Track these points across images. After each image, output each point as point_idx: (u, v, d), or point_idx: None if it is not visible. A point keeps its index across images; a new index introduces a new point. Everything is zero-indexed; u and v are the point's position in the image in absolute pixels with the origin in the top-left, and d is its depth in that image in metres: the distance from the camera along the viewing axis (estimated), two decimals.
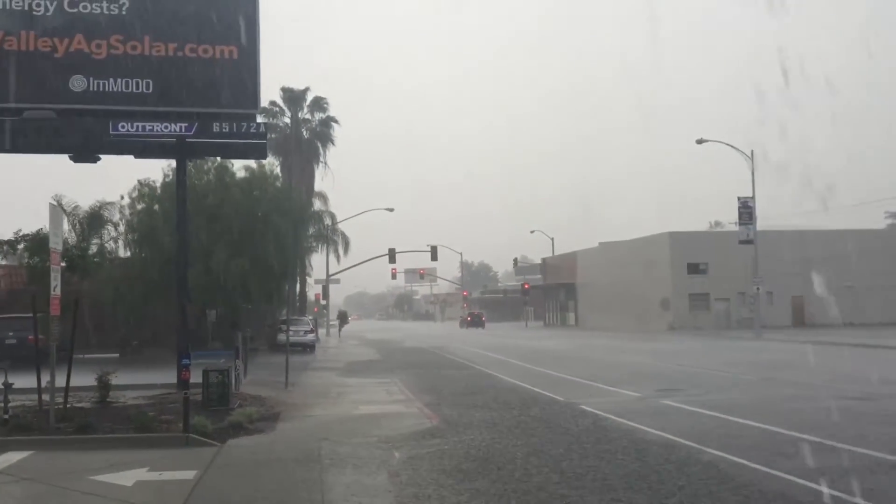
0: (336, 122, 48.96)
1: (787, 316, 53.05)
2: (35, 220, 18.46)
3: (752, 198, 41.88)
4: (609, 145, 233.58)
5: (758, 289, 41.41)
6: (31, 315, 14.31)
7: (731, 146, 41.83)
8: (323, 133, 48.53)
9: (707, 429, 11.44)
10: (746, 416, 12.36)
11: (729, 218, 60.68)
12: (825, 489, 7.64)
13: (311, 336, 35.96)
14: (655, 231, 57.70)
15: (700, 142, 42.27)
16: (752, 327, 42.18)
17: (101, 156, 16.30)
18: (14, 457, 9.96)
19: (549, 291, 76.80)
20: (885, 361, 24.06)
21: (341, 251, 52.11)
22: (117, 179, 30.12)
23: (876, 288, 52.37)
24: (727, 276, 51.53)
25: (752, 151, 41.34)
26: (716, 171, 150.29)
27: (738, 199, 42.56)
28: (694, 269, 54.05)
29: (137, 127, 14.89)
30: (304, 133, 48.20)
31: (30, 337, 15.14)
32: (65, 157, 16.47)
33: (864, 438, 10.22)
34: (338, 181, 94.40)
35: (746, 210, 42.09)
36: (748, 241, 42.03)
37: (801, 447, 9.85)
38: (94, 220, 27.35)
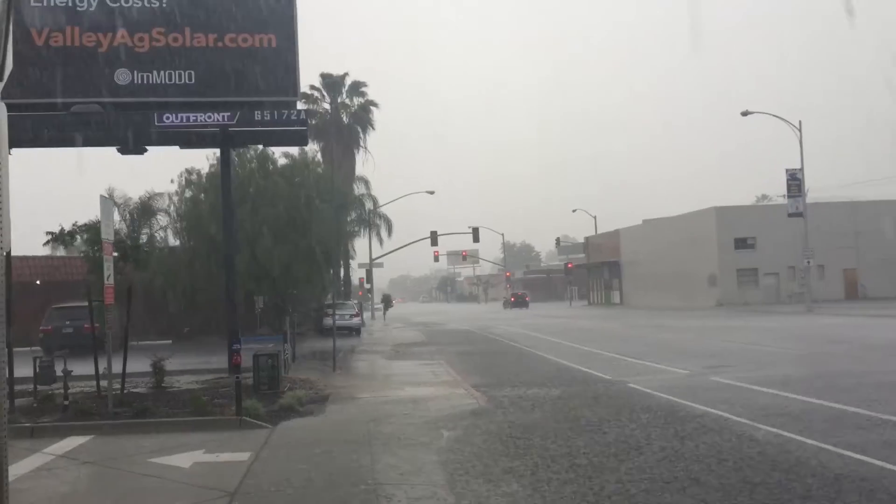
0: (375, 105, 49.06)
1: (838, 289, 51.89)
2: (91, 212, 19.03)
3: (801, 169, 40.87)
4: (653, 122, 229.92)
5: (808, 262, 40.53)
6: (86, 304, 14.74)
7: (779, 117, 40.89)
8: (362, 117, 48.66)
9: (758, 404, 11.28)
10: (798, 392, 12.15)
11: (777, 191, 59.43)
12: (887, 465, 7.49)
13: (356, 320, 36.31)
14: (700, 207, 56.84)
15: (745, 114, 41.35)
16: (802, 302, 41.36)
17: (147, 147, 16.59)
18: (75, 441, 10.30)
19: (593, 270, 76.25)
20: None
21: (384, 235, 52.41)
22: (165, 171, 30.70)
23: None
24: (776, 250, 50.57)
25: (800, 122, 40.36)
26: (765, 144, 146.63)
27: (787, 171, 41.61)
28: (741, 243, 53.11)
29: (181, 118, 15.08)
30: (344, 118, 48.40)
31: (86, 325, 15.59)
32: (113, 150, 16.87)
33: None
34: (378, 166, 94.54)
35: (795, 182, 41.13)
36: (797, 214, 41.10)
37: (859, 421, 9.67)
38: (143, 211, 28.04)
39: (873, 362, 16.15)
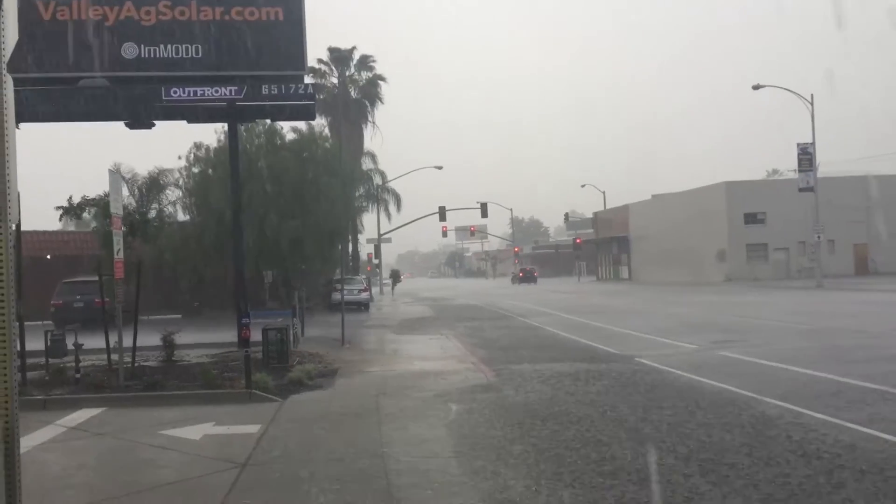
0: (383, 80, 48.80)
1: (849, 264, 51.64)
2: (100, 188, 19.09)
3: (812, 143, 40.51)
4: (663, 97, 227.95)
5: (818, 237, 40.30)
6: (97, 279, 14.83)
7: (790, 90, 40.42)
8: (370, 92, 48.42)
9: (763, 379, 11.29)
10: (807, 366, 12.15)
11: (788, 165, 59.01)
12: (891, 437, 7.50)
13: (365, 295, 36.44)
14: (709, 182, 56.47)
15: (756, 87, 40.92)
16: (812, 277, 41.19)
17: (155, 122, 16.58)
18: (87, 413, 10.42)
19: (602, 245, 76.08)
20: None
21: (392, 209, 52.35)
22: (173, 149, 30.78)
23: None
24: (786, 225, 50.30)
25: (812, 95, 39.93)
26: (774, 119, 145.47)
27: (798, 145, 41.25)
28: (751, 218, 52.81)
29: (189, 92, 15.04)
30: (352, 93, 48.19)
31: (96, 300, 15.69)
32: (121, 126, 16.87)
33: None
34: (387, 142, 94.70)
35: (806, 156, 40.78)
36: (808, 189, 40.79)
37: (866, 396, 9.68)
38: (152, 186, 28.12)
39: (882, 336, 16.10)
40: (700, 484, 6.30)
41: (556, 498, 6.14)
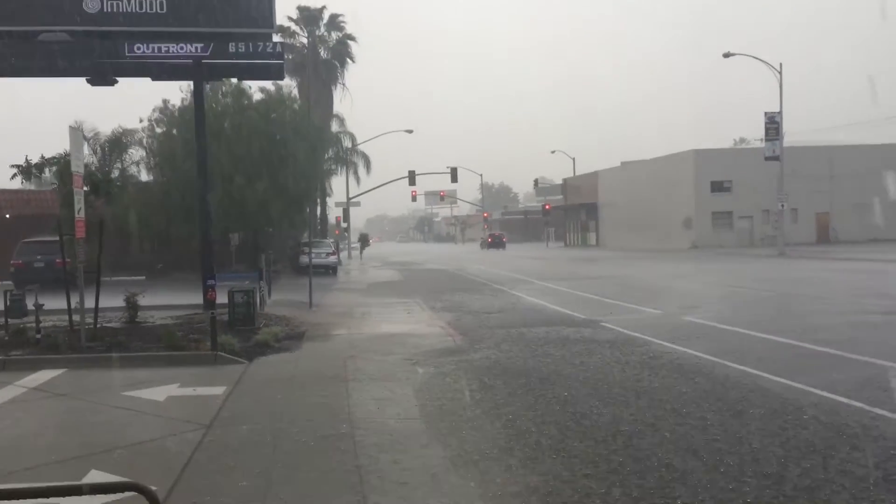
0: (353, 39, 48.06)
1: (810, 233, 52.65)
2: (59, 146, 18.58)
3: (780, 113, 40.87)
4: (633, 65, 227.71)
5: (782, 206, 40.90)
6: (57, 238, 14.52)
7: (759, 59, 40.61)
8: (340, 52, 47.69)
9: (727, 345, 11.49)
10: (768, 332, 12.39)
11: (755, 134, 59.55)
12: (842, 398, 7.70)
13: (333, 258, 36.28)
14: (678, 150, 56.87)
15: (727, 55, 41.01)
16: (775, 245, 41.87)
17: (118, 79, 16.15)
18: (47, 374, 10.26)
19: (570, 212, 76.49)
20: None
21: (362, 173, 51.98)
22: (136, 110, 30.06)
23: None
24: (751, 193, 51.00)
25: (781, 64, 40.19)
26: (742, 89, 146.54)
27: (765, 114, 41.58)
28: (718, 186, 53.42)
29: (153, 48, 14.68)
30: (322, 53, 47.41)
31: (57, 260, 15.39)
32: (83, 83, 16.39)
33: (883, 350, 10.22)
34: (357, 106, 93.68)
35: (773, 125, 41.17)
36: (774, 158, 41.26)
37: (822, 360, 9.92)
38: (115, 145, 27.50)
39: (840, 303, 16.47)
40: (648, 420, 6.42)
41: (523, 454, 6.21)
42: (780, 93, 40.39)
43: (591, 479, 5.62)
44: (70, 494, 2.46)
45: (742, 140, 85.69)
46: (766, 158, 41.99)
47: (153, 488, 2.51)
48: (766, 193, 46.63)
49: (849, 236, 51.31)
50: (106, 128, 24.65)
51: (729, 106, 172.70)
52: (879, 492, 5.25)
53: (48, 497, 2.50)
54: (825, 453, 6.09)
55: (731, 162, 54.46)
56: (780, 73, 40.01)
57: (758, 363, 9.76)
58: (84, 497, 2.49)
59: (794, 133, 50.16)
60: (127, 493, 2.50)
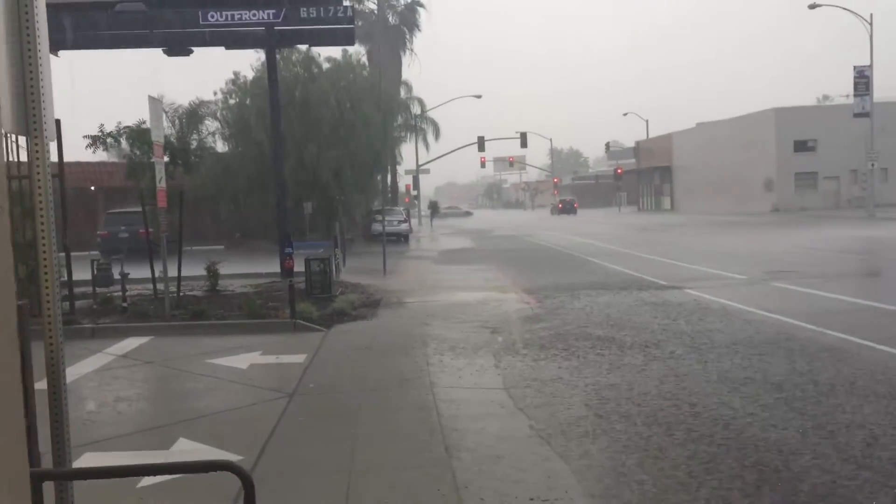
0: (422, 5, 47.56)
1: None
2: (135, 118, 19.02)
3: (870, 66, 38.63)
4: (712, 18, 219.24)
5: (872, 165, 38.82)
6: (140, 209, 14.83)
7: (848, 9, 38.36)
8: (409, 18, 47.28)
9: (816, 309, 10.90)
10: (858, 296, 11.72)
11: (838, 91, 56.64)
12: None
13: (404, 226, 36.32)
14: (757, 109, 54.56)
15: (813, 6, 38.92)
16: (863, 206, 39.89)
17: (192, 49, 16.32)
18: (135, 342, 10.50)
19: (643, 175, 74.69)
20: None
21: (431, 139, 51.62)
22: (210, 83, 30.50)
23: None
24: (837, 153, 48.62)
25: (871, 15, 37.86)
26: (829, 43, 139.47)
27: (854, 67, 39.39)
28: (801, 146, 51.10)
29: (226, 16, 14.69)
30: (390, 19, 47.08)
31: (140, 230, 15.75)
32: (159, 57, 16.63)
33: None
34: (426, 71, 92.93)
35: (863, 80, 38.97)
36: (864, 114, 39.12)
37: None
38: (192, 117, 28.00)
39: None
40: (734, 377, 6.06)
41: (609, 424, 5.96)
42: (871, 45, 38.14)
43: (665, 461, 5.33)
44: (165, 473, 2.34)
45: (825, 97, 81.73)
46: (856, 115, 39.86)
47: (245, 469, 2.38)
48: (854, 152, 44.37)
49: None
50: (180, 99, 25.12)
51: (814, 61, 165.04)
52: None
53: (143, 475, 2.40)
54: None
55: (815, 120, 51.97)
56: (871, 24, 37.72)
57: (846, 328, 9.20)
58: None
59: (884, 88, 47.34)
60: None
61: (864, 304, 11.33)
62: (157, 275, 13.30)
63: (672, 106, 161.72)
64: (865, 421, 5.90)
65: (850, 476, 4.85)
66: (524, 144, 68.53)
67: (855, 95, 39.94)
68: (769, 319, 10.40)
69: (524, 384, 7.56)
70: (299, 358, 9.16)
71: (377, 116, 28.46)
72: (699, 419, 6.14)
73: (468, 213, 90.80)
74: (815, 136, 50.90)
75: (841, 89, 46.11)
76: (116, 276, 13.46)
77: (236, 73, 28.33)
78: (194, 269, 14.83)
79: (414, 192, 60.62)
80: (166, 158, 12.57)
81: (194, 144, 24.39)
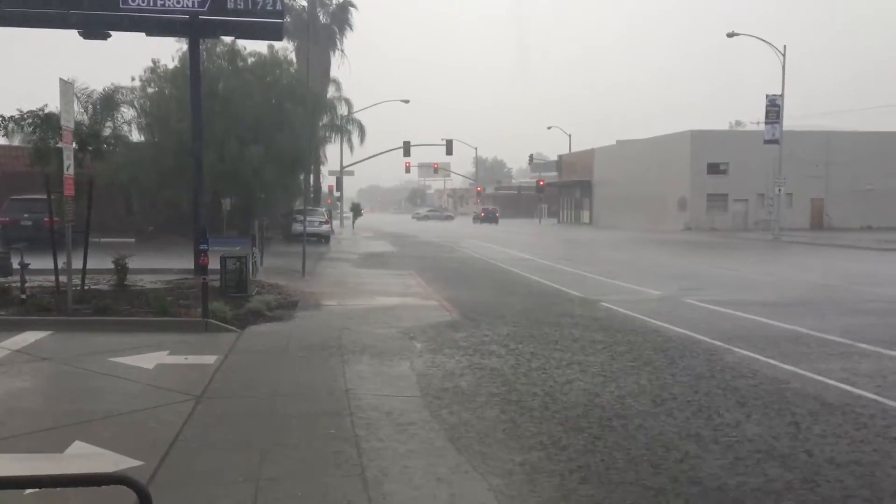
0: (354, 6, 47.15)
1: (805, 218, 52.50)
2: (39, 104, 18.04)
3: (781, 96, 40.51)
4: (636, 44, 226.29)
5: (779, 190, 40.66)
6: (45, 196, 14.06)
7: (763, 40, 40.17)
8: (340, 17, 46.79)
9: (724, 326, 11.26)
10: (765, 315, 12.17)
11: (751, 118, 59.18)
12: (832, 381, 7.48)
13: (326, 227, 35.84)
14: (674, 130, 56.43)
15: (731, 35, 40.55)
16: (769, 229, 41.72)
17: (111, 33, 15.64)
18: (32, 336, 9.91)
19: (565, 189, 76.11)
20: None
21: (356, 140, 51.02)
22: (126, 70, 29.34)
23: None
24: (747, 176, 50.71)
25: (785, 46, 39.75)
26: (745, 71, 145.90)
27: (767, 96, 41.20)
28: (714, 168, 53.05)
29: (150, 1, 14.13)
30: (321, 17, 46.48)
31: (45, 218, 14.92)
32: (74, 36, 15.85)
33: (870, 335, 10.02)
34: (354, 73, 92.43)
35: (774, 108, 40.82)
36: (774, 141, 40.96)
37: (825, 345, 9.70)
38: (106, 103, 26.85)
39: (838, 288, 16.28)
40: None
41: (521, 432, 5.94)
42: (783, 74, 40.02)
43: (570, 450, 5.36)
44: (50, 486, 2.14)
45: (738, 123, 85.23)
46: (766, 142, 41.69)
47: (142, 483, 2.20)
48: (762, 177, 46.38)
49: (843, 223, 51.22)
50: (92, 81, 24.01)
51: (731, 88, 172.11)
52: None
53: (25, 488, 2.19)
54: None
55: (727, 144, 54.09)
56: (784, 55, 39.58)
57: (751, 345, 9.52)
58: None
59: (793, 118, 49.83)
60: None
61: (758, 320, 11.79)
62: (60, 266, 12.61)
63: (596, 122, 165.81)
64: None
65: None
66: (450, 152, 68.87)
67: (766, 122, 41.75)
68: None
69: (440, 390, 7.47)
70: (210, 359, 8.82)
71: (303, 115, 27.96)
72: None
73: (450, 217, 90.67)
74: (727, 160, 52.96)
75: (753, 116, 48.22)
76: (16, 265, 12.71)
77: (155, 62, 27.33)
78: (102, 262, 14.15)
79: (337, 194, 59.97)
80: (75, 145, 11.91)
81: (108, 132, 23.34)
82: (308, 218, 27.00)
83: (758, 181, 48.89)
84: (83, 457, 5.46)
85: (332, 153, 50.51)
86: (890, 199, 51.27)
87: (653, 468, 5.38)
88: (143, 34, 15.60)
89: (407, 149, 66.27)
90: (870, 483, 5.14)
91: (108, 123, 26.48)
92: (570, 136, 79.42)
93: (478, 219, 75.66)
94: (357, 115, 50.01)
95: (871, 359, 9.13)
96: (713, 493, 4.96)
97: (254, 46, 29.18)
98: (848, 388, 7.69)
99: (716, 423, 6.49)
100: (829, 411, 6.85)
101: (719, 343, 9.97)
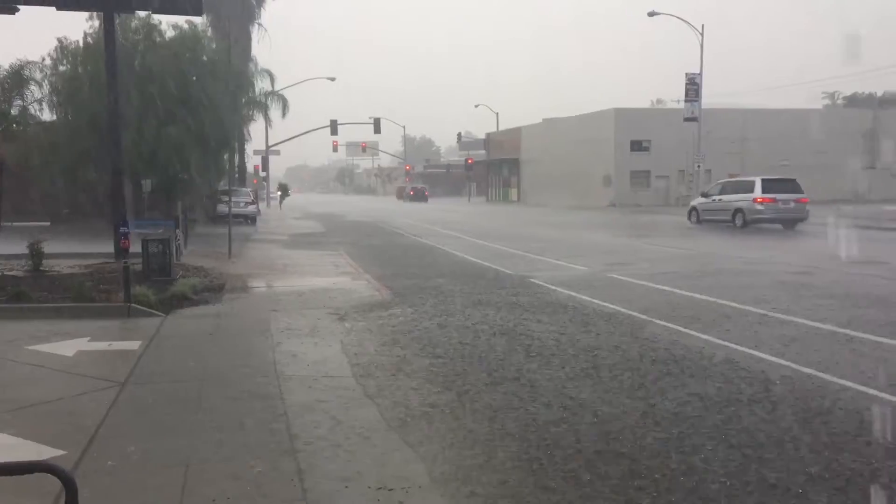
0: None
1: None
2: None
3: (700, 74, 41.72)
4: (561, 23, 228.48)
5: (698, 167, 41.98)
6: None
7: (682, 19, 41.19)
8: None
9: (650, 301, 11.63)
10: (684, 289, 12.62)
11: (672, 96, 60.75)
12: (749, 350, 7.86)
13: (252, 207, 35.26)
14: (601, 108, 57.46)
15: (652, 14, 41.41)
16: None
17: (19, 7, 14.89)
18: None
19: (493, 167, 76.66)
20: (815, 238, 24.89)
21: (279, 118, 49.66)
22: (38, 48, 27.93)
23: (813, 167, 53.74)
24: (668, 153, 52.09)
25: (703, 25, 40.86)
26: (664, 51, 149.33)
27: (686, 74, 42.36)
28: (637, 146, 54.31)
29: None
30: None
31: None
32: None
33: (781, 306, 10.53)
34: (279, 50, 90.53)
35: (693, 87, 42.01)
36: (692, 119, 42.20)
37: (733, 315, 10.14)
38: (14, 80, 25.56)
39: (758, 262, 16.97)
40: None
41: (454, 409, 6.04)
42: (701, 54, 41.18)
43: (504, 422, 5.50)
44: None
45: (659, 101, 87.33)
46: (685, 119, 42.90)
47: (67, 471, 2.16)
48: (683, 154, 47.73)
49: None
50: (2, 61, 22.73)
51: (656, 67, 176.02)
52: None
53: None
54: None
55: (650, 122, 55.42)
56: (702, 34, 40.68)
57: (670, 317, 9.89)
58: None
59: (711, 96, 51.39)
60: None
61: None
62: None
63: (522, 100, 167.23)
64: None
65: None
66: (377, 130, 68.47)
67: (685, 101, 42.94)
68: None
69: (371, 370, 7.51)
70: (133, 345, 8.61)
71: (225, 92, 27.26)
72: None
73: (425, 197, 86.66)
74: (650, 137, 54.29)
75: (674, 94, 49.61)
76: None
77: (60, 40, 26.03)
78: (15, 246, 13.62)
79: (263, 174, 58.86)
80: None
81: (16, 111, 22.28)
82: (233, 198, 26.49)
83: (678, 158, 50.29)
84: (3, 448, 5.28)
85: (258, 132, 49.52)
86: (803, 173, 53.38)
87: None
88: (53, 8, 14.92)
89: (334, 127, 65.60)
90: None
91: (17, 102, 25.24)
92: (497, 114, 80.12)
93: (406, 197, 75.55)
94: (283, 93, 49.03)
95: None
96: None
97: (170, 20, 28.21)
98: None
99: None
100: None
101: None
